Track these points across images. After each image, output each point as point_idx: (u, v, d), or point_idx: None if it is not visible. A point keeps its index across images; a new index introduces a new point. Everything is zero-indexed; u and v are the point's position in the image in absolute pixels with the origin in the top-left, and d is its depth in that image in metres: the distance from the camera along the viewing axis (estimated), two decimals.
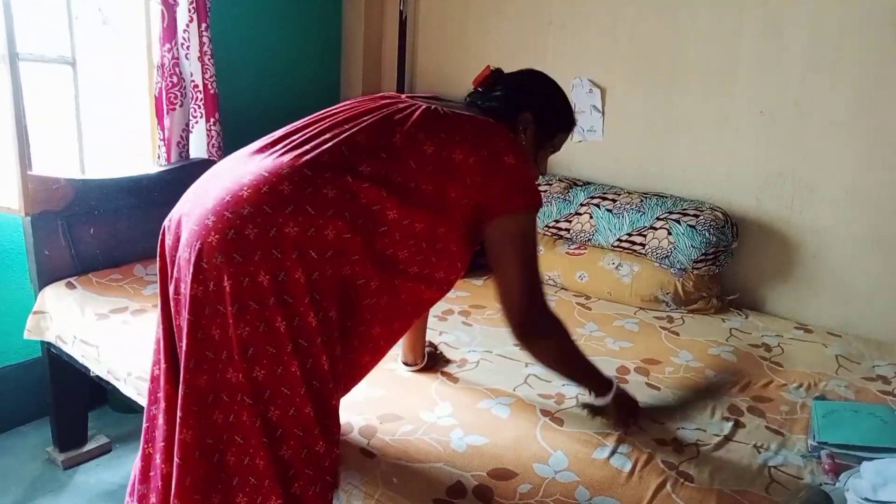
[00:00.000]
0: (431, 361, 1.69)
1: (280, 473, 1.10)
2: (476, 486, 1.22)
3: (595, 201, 2.37)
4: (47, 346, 2.06)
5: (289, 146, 1.16)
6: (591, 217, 2.34)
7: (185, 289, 1.08)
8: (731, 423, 1.49)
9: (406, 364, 1.66)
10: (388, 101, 1.29)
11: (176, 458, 1.10)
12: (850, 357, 1.91)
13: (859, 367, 1.85)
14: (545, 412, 1.49)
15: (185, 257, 1.09)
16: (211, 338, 1.07)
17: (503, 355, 1.78)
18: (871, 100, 2.03)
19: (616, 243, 2.29)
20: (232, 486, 1.11)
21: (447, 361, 1.73)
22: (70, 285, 2.04)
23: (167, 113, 2.43)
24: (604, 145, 2.57)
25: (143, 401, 1.66)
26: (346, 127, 1.20)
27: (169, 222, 1.20)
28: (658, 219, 2.22)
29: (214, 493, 1.11)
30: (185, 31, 2.39)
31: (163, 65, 2.39)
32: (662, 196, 2.32)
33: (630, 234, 2.25)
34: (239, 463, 1.10)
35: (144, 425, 1.25)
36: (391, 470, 1.26)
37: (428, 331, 1.70)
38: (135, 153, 2.62)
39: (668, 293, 2.19)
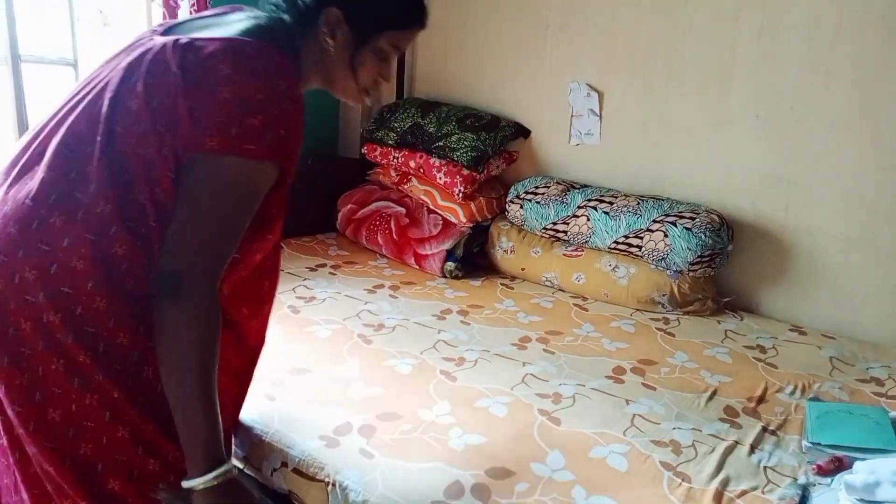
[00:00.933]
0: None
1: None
2: (474, 485, 1.23)
3: (592, 204, 2.38)
4: None
5: (16, 173, 1.00)
6: (588, 219, 2.36)
7: None
8: (727, 425, 1.51)
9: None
10: (130, 52, 1.06)
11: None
12: (845, 359, 1.93)
13: (853, 369, 1.86)
14: (543, 411, 1.51)
15: None
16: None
17: (501, 354, 1.79)
18: (866, 103, 2.05)
19: (613, 245, 2.31)
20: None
21: None
22: None
23: None
24: (601, 149, 2.59)
25: None
26: (68, 118, 1.01)
27: None
28: (654, 221, 2.24)
29: None
30: None
31: None
32: (659, 199, 2.33)
33: (627, 237, 2.27)
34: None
35: None
36: (390, 469, 1.27)
37: (426, 329, 1.66)
38: None
39: (664, 295, 2.21)
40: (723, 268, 2.28)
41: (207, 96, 0.95)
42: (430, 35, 3.06)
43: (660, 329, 2.07)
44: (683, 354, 1.89)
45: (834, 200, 2.15)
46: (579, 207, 2.40)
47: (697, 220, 2.18)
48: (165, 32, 1.07)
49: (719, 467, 1.33)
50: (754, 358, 1.89)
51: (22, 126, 1.86)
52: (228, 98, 0.95)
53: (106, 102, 0.99)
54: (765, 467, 1.35)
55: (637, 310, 2.23)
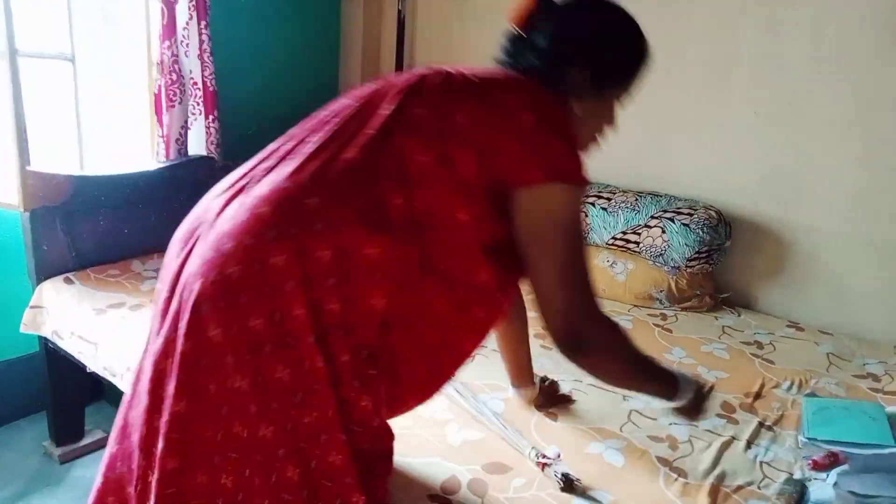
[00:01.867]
0: (546, 397, 1.50)
1: None
2: (471, 480, 1.23)
3: (590, 200, 2.38)
4: (44, 341, 2.07)
5: (276, 162, 0.99)
6: (586, 215, 2.36)
7: (179, 337, 0.90)
8: (723, 420, 1.51)
9: (516, 387, 1.49)
10: (382, 82, 1.06)
11: None
12: (842, 355, 1.93)
13: (850, 365, 1.87)
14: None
15: (179, 301, 0.93)
16: (207, 392, 0.89)
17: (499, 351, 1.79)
18: (867, 102, 2.05)
19: (611, 241, 2.31)
20: None
21: (566, 398, 1.52)
22: (68, 280, 2.05)
23: (166, 110, 2.44)
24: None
25: None
26: (334, 121, 1.01)
27: (178, 242, 1.02)
28: (652, 217, 2.24)
29: None
30: (184, 28, 2.39)
31: (162, 62, 2.40)
32: (657, 195, 2.34)
33: (625, 233, 2.27)
34: None
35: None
36: None
37: None
38: (134, 150, 2.63)
39: (661, 291, 2.21)
40: (721, 264, 2.28)
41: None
42: (429, 31, 3.07)
43: (657, 325, 2.07)
44: (681, 350, 1.89)
45: (834, 198, 2.15)
46: None
47: (695, 216, 2.18)
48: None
49: (715, 462, 1.33)
50: (751, 354, 1.90)
51: (20, 121, 1.86)
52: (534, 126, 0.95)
53: (386, 108, 0.97)
54: (761, 462, 1.35)
55: (635, 306, 2.23)
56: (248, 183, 0.98)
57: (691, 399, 1.17)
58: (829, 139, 2.13)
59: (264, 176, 0.97)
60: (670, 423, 1.44)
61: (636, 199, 2.31)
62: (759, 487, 1.27)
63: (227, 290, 0.87)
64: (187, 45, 2.41)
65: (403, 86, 1.00)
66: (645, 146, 2.49)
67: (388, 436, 1.00)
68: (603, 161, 2.64)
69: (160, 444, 0.91)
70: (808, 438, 1.41)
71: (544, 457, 1.27)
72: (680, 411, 1.21)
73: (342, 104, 1.05)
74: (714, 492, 1.24)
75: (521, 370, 1.47)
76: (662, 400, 1.15)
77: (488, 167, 0.94)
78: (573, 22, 1.04)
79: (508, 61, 1.07)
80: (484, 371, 1.67)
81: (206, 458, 0.91)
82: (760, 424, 1.50)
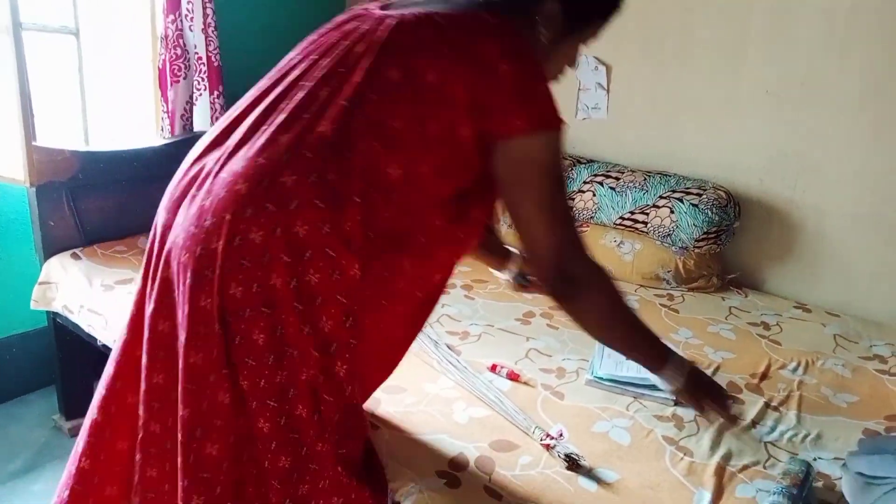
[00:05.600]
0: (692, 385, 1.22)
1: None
2: (478, 458, 1.24)
3: (598, 179, 2.37)
4: (53, 316, 2.08)
5: (247, 130, 1.00)
6: (593, 195, 2.34)
7: (178, 304, 0.96)
8: (729, 401, 1.51)
9: (500, 271, 1.44)
10: (352, 25, 1.05)
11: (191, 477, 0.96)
12: (849, 336, 1.93)
13: (857, 347, 1.87)
14: (546, 386, 1.52)
15: (166, 269, 0.98)
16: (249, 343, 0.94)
17: (505, 329, 1.80)
18: (880, 82, 2.01)
19: (618, 221, 2.30)
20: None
21: (719, 391, 1.27)
22: (75, 256, 2.06)
23: (171, 85, 2.42)
24: (608, 123, 2.56)
25: None
26: (304, 83, 1.01)
27: (157, 223, 1.05)
28: (661, 197, 2.22)
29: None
30: (188, 1, 2.37)
31: (166, 36, 2.38)
32: (666, 175, 2.32)
33: (633, 213, 2.26)
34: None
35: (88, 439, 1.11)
36: (395, 441, 1.28)
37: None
38: (138, 125, 2.62)
39: (668, 271, 2.20)
40: (729, 244, 2.27)
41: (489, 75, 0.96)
42: None
43: (664, 305, 2.07)
44: (687, 331, 1.89)
45: (843, 179, 2.13)
46: (585, 182, 2.39)
47: (704, 196, 2.17)
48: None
49: (721, 442, 1.34)
50: (758, 335, 1.90)
51: (24, 95, 1.84)
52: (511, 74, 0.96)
53: (358, 74, 0.97)
54: (766, 443, 1.36)
55: (641, 286, 2.22)
56: (221, 156, 1.00)
57: (688, 385, 1.18)
58: (840, 119, 2.10)
59: (237, 147, 0.99)
60: (675, 404, 1.44)
61: (644, 179, 2.30)
62: (764, 467, 1.27)
63: (210, 263, 0.92)
64: (192, 18, 2.38)
65: (378, 39, 0.99)
66: (654, 125, 2.46)
67: (361, 412, 1.04)
68: (611, 140, 2.63)
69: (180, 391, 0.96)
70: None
71: (548, 436, 1.28)
72: (682, 396, 1.22)
73: (317, 46, 1.07)
74: (720, 471, 1.24)
75: (497, 260, 1.42)
76: (650, 369, 1.18)
77: (464, 123, 0.96)
78: None
79: None
80: (489, 350, 1.67)
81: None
82: (766, 405, 1.51)
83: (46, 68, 2.28)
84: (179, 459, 0.96)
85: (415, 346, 1.65)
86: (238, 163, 0.96)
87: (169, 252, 0.98)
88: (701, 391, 1.21)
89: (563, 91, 2.92)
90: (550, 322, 1.87)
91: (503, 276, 1.44)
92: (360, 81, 0.97)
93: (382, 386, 1.45)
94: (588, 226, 2.38)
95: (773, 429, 1.41)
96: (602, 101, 2.55)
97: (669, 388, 1.21)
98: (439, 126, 0.97)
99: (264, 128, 0.99)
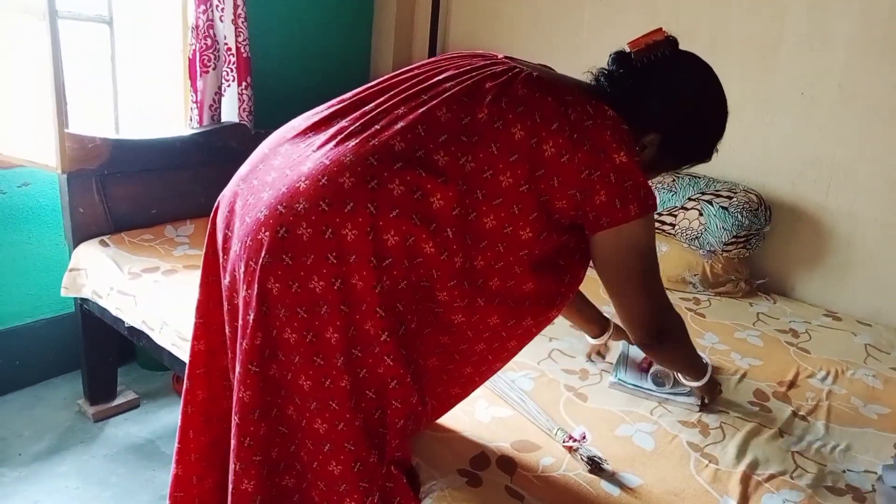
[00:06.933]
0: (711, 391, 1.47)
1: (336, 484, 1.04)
2: (500, 457, 1.23)
3: None
4: (80, 302, 2.11)
5: (356, 125, 1.00)
6: None
7: (240, 284, 1.00)
8: (756, 408, 1.49)
9: (596, 338, 1.56)
10: (482, 60, 1.08)
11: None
12: (880, 346, 1.88)
13: (889, 358, 1.82)
14: (569, 387, 1.50)
15: (236, 251, 1.00)
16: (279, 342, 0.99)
17: None
18: None
19: None
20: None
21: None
22: (103, 243, 2.08)
23: (200, 75, 2.44)
24: None
25: (177, 351, 1.69)
26: (425, 98, 1.01)
27: (222, 200, 1.10)
28: (690, 199, 2.19)
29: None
30: None
31: (197, 26, 2.39)
32: (695, 177, 2.28)
33: (660, 214, 2.23)
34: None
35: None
36: (416, 438, 1.27)
37: None
38: (168, 114, 2.64)
39: (695, 275, 2.17)
40: (758, 249, 2.23)
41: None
42: (464, 4, 3.01)
43: (690, 309, 2.04)
44: (714, 336, 1.86)
45: (878, 185, 2.08)
46: None
47: (735, 199, 2.13)
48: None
49: (747, 450, 1.32)
50: (786, 342, 1.86)
51: (59, 82, 1.86)
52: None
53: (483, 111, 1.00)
54: (793, 452, 1.33)
55: (668, 289, 2.15)
56: (296, 151, 1.03)
57: (708, 385, 1.42)
58: (876, 124, 2.05)
59: (343, 138, 0.99)
60: (699, 410, 1.43)
61: (673, 181, 2.26)
62: (791, 477, 1.25)
63: (293, 249, 0.93)
64: (222, 9, 2.40)
65: (494, 85, 1.02)
66: None
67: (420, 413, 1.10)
68: None
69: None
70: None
71: (571, 438, 1.26)
72: (700, 389, 1.43)
73: (432, 68, 1.09)
74: (745, 480, 1.22)
75: (592, 324, 1.54)
76: (695, 379, 1.40)
77: (575, 206, 1.02)
78: (680, 77, 1.15)
79: (600, 79, 1.13)
80: None
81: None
82: (794, 414, 1.48)
83: (80, 56, 2.30)
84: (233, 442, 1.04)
85: None
86: (341, 151, 0.98)
87: (249, 232, 0.99)
88: (714, 390, 1.46)
89: None
90: (573, 323, 1.84)
91: (592, 341, 1.57)
92: (485, 120, 0.99)
93: None
94: None
95: (800, 438, 1.39)
96: None
97: (695, 389, 1.43)
98: (554, 199, 1.02)
99: (348, 125, 1.02)
